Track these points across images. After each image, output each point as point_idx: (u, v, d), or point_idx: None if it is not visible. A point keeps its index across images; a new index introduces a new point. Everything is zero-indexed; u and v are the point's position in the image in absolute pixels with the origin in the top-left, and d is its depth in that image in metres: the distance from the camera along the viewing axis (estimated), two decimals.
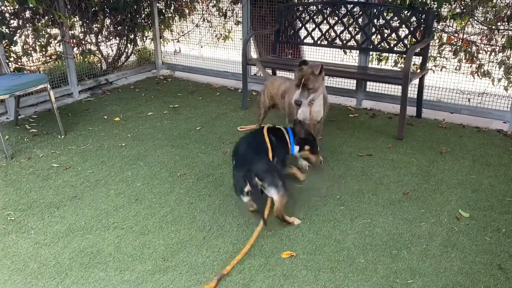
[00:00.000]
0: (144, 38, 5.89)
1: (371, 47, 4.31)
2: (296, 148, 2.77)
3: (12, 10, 4.32)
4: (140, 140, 3.64)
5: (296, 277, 2.08)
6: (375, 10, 4.22)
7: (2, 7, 4.20)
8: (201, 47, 5.89)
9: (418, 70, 4.09)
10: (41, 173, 3.08)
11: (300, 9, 4.67)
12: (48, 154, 3.39)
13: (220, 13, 5.60)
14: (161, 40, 5.94)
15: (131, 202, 2.72)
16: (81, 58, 5.08)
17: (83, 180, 2.98)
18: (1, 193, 2.82)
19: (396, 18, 4.12)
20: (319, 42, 4.57)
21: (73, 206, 2.67)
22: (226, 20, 5.59)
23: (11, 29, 4.32)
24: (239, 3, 5.35)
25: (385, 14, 4.20)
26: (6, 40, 4.05)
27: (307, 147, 2.79)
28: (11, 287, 2.01)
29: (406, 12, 4.08)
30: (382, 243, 2.33)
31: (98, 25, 5.23)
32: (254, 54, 5.67)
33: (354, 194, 2.81)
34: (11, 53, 4.37)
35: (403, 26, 4.07)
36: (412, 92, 4.08)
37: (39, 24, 4.54)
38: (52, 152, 3.42)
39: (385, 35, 4.21)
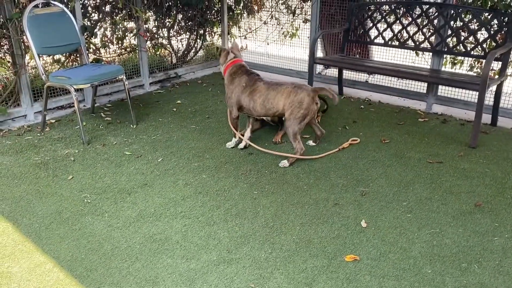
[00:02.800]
0: (213, 34, 6.02)
1: (446, 49, 4.14)
2: None
3: (94, 4, 4.58)
4: (206, 134, 3.74)
5: (360, 281, 2.06)
6: (452, 12, 4.04)
7: (85, 1, 4.47)
8: (268, 44, 5.93)
9: (497, 76, 3.87)
10: (115, 160, 3.26)
11: (372, 8, 4.57)
12: (121, 142, 3.57)
13: (289, 11, 5.61)
14: (228, 36, 6.05)
15: (197, 193, 2.81)
16: (153, 51, 5.29)
17: (153, 169, 3.12)
18: (79, 176, 3.01)
19: (475, 20, 3.92)
20: (390, 42, 4.45)
21: (144, 193, 2.80)
22: (294, 17, 5.59)
23: (92, 22, 4.59)
24: (309, 1, 5.32)
25: (463, 16, 4.01)
26: (88, 32, 4.30)
27: None
28: (87, 265, 2.15)
29: (486, 14, 3.87)
30: (451, 255, 2.24)
31: (171, 20, 5.41)
32: (320, 53, 5.63)
33: (422, 201, 2.72)
34: (91, 45, 4.64)
35: (483, 29, 3.87)
36: (488, 98, 3.87)
37: (117, 17, 4.78)
38: (124, 140, 3.60)
39: (462, 37, 4.02)
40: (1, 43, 3.82)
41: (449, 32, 4.10)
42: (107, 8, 4.69)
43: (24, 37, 3.72)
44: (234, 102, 3.26)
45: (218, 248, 2.28)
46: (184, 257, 2.22)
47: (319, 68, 5.38)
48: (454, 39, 4.11)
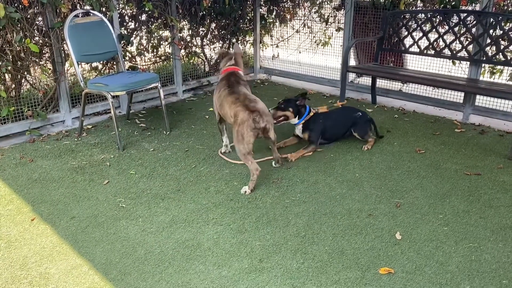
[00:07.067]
0: (245, 43, 6.07)
1: (485, 59, 4.03)
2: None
3: (131, 13, 4.70)
4: None
5: None
6: (492, 20, 3.93)
7: (123, 10, 4.59)
8: (300, 52, 5.93)
9: None
10: (149, 165, 3.31)
11: (407, 16, 4.50)
12: (155, 148, 3.63)
13: (322, 19, 5.59)
14: (260, 44, 6.08)
15: (229, 200, 2.82)
16: (187, 59, 5.38)
17: (186, 175, 3.15)
18: (114, 181, 3.08)
19: None
20: (425, 51, 4.37)
21: (177, 199, 2.84)
22: (327, 26, 5.57)
23: (128, 30, 4.71)
24: (342, 10, 5.29)
25: (503, 24, 3.90)
26: (124, 41, 4.41)
27: None
28: (121, 269, 2.19)
29: None
30: (490, 271, 2.16)
31: (204, 29, 5.49)
32: (353, 61, 5.58)
33: (459, 215, 2.64)
34: (127, 53, 4.75)
35: None
36: None
37: (153, 26, 4.88)
38: (158, 146, 3.66)
39: (502, 46, 3.90)
40: (43, 51, 3.96)
41: (488, 40, 3.99)
42: (143, 17, 4.81)
43: (65, 45, 3.85)
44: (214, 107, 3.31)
45: (249, 256, 2.28)
46: (216, 264, 2.22)
47: (351, 76, 5.33)
48: (494, 47, 4.00)
